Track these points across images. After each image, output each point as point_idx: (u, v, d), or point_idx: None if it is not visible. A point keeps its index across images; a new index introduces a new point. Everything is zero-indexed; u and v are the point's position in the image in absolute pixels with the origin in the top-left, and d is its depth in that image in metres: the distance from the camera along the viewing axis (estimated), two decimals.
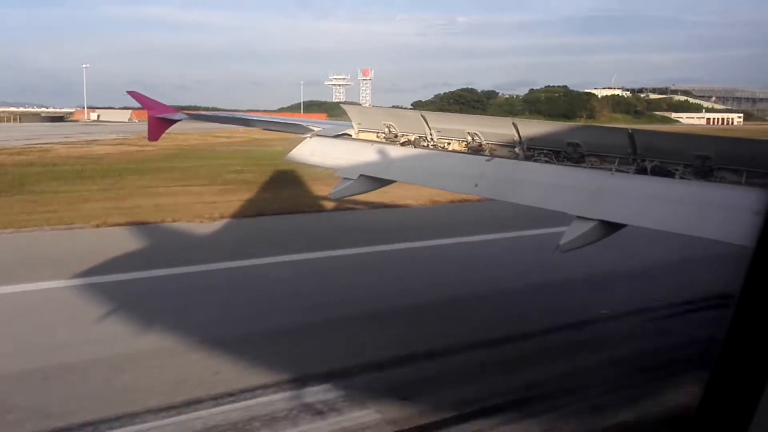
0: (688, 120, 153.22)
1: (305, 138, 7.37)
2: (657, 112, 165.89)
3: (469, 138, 6.03)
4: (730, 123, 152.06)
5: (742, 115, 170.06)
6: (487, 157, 5.79)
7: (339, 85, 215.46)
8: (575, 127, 6.16)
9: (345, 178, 6.47)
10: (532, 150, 5.52)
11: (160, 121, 9.52)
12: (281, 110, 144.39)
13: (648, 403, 6.49)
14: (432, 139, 6.34)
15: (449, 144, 6.26)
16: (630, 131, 4.92)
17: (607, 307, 9.38)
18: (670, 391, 6.60)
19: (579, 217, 4.70)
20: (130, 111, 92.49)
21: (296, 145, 7.33)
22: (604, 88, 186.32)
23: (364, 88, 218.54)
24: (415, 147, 6.42)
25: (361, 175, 6.36)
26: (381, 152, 6.53)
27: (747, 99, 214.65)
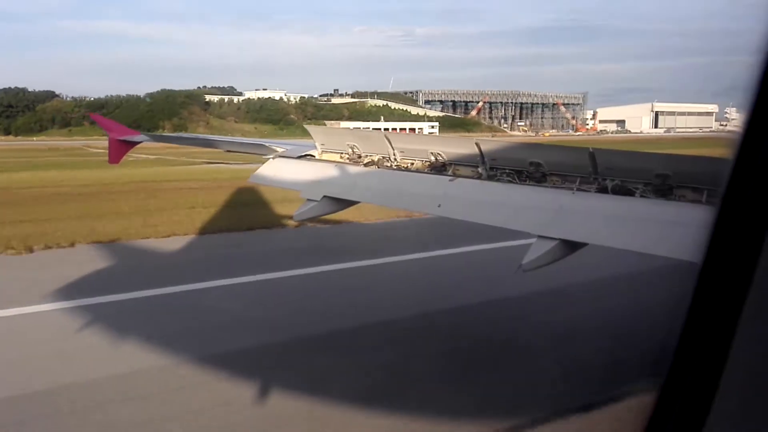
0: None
1: (268, 159, 7.25)
2: (329, 121, 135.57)
3: (432, 158, 5.99)
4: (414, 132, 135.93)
5: (437, 124, 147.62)
6: (450, 177, 5.74)
7: None
8: (537, 146, 6.17)
9: (308, 200, 6.37)
10: (495, 170, 5.49)
11: (120, 144, 9.35)
12: None
13: None
14: (395, 159, 6.28)
15: (412, 164, 6.21)
16: (591, 150, 4.91)
17: None
18: None
19: (541, 237, 4.66)
20: None
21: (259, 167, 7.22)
22: (267, 90, 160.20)
23: None
24: (378, 167, 6.35)
25: (324, 197, 6.26)
26: (344, 173, 6.44)
27: (540, 105, 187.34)
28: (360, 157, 6.54)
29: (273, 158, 7.23)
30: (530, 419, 6.35)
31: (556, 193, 4.99)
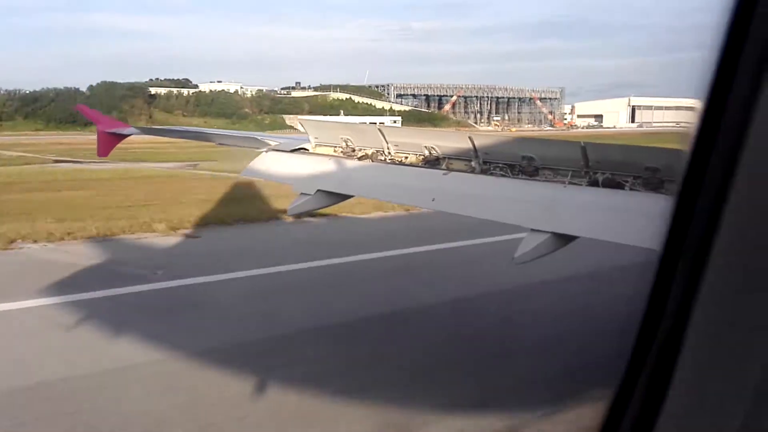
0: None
1: (261, 153, 7.32)
2: (287, 115, 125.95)
3: (426, 152, 6.11)
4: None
5: (399, 118, 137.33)
6: (443, 171, 5.87)
7: None
8: (530, 140, 6.33)
9: (302, 194, 6.44)
10: (488, 164, 5.63)
11: (109, 136, 9.30)
12: None
13: None
14: (389, 153, 6.39)
15: (406, 158, 6.33)
16: (582, 144, 5.08)
17: None
18: None
19: (533, 230, 4.81)
20: None
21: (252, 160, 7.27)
22: (222, 82, 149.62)
23: None
24: (372, 161, 6.46)
25: (318, 190, 6.34)
26: (338, 167, 6.53)
27: (516, 99, 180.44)
28: (354, 150, 6.63)
29: (266, 152, 7.29)
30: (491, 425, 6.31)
31: (547, 186, 5.15)
